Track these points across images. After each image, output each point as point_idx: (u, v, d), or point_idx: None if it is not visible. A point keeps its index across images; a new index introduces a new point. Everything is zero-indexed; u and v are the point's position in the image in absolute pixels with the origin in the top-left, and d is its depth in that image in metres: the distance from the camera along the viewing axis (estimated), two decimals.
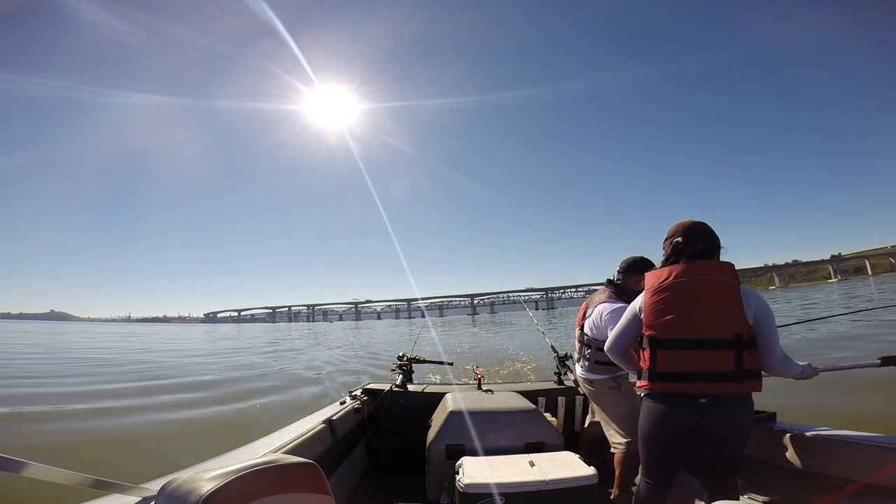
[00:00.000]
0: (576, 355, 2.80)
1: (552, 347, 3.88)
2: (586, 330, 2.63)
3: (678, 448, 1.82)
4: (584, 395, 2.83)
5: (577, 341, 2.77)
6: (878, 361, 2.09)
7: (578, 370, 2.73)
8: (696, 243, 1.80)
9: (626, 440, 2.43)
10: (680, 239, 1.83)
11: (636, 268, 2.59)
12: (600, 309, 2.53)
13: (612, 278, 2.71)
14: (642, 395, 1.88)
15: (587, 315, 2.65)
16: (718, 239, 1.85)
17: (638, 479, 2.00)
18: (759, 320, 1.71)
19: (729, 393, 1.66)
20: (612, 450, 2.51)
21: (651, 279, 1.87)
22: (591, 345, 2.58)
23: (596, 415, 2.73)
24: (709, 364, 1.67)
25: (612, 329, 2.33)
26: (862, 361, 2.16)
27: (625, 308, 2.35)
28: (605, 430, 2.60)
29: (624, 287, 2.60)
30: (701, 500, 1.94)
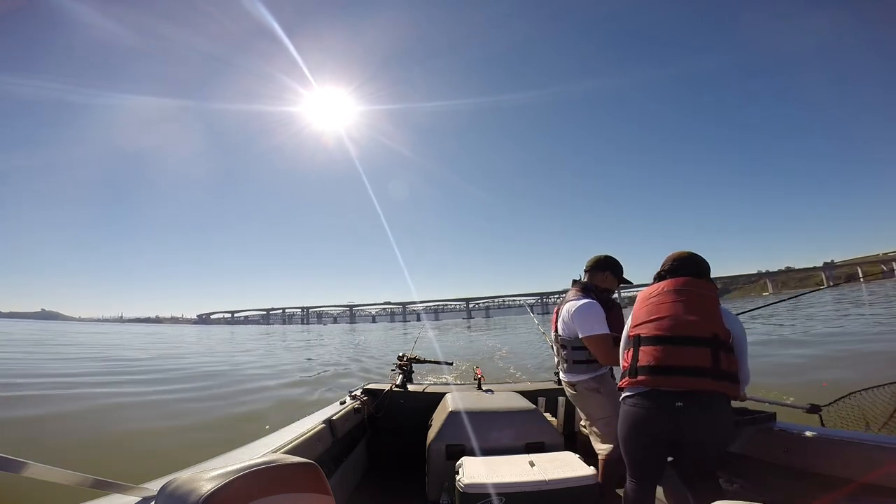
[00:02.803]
0: (556, 359, 2.76)
1: (552, 347, 3.87)
2: (560, 331, 2.59)
3: (658, 450, 1.87)
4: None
5: (554, 344, 2.73)
6: (807, 406, 2.31)
7: (561, 375, 2.68)
8: (682, 271, 1.97)
9: (607, 446, 2.36)
10: (668, 266, 2.01)
11: (601, 266, 2.64)
12: (568, 307, 2.52)
13: (577, 278, 2.72)
14: (621, 397, 1.92)
15: (559, 316, 2.64)
16: (708, 267, 2.01)
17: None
18: (733, 336, 1.84)
19: (706, 389, 1.71)
20: (598, 455, 2.44)
21: (643, 293, 2.02)
22: (567, 345, 2.53)
23: (582, 420, 2.69)
24: (687, 359, 1.74)
25: (580, 323, 2.38)
26: (793, 403, 2.37)
27: (591, 303, 2.43)
28: (588, 434, 2.55)
29: (590, 285, 2.61)
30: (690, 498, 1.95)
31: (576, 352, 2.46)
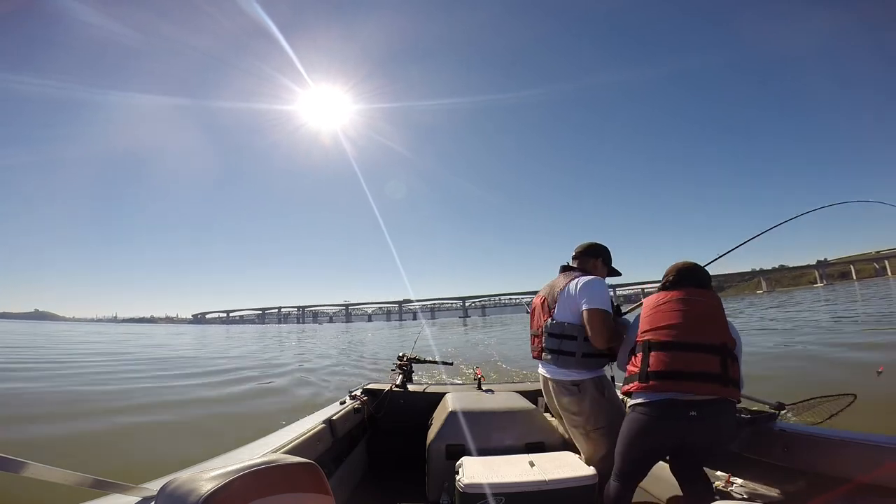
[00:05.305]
0: (545, 356, 2.35)
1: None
2: (564, 318, 2.27)
3: (658, 454, 1.93)
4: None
5: (545, 337, 2.33)
6: (774, 403, 2.20)
7: (555, 373, 2.33)
8: (685, 282, 2.00)
9: (597, 457, 2.18)
10: (671, 278, 2.04)
11: (592, 252, 2.48)
12: (574, 283, 2.27)
13: (567, 264, 2.50)
14: (630, 402, 1.91)
15: (554, 303, 2.33)
16: (710, 278, 2.06)
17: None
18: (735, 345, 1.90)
19: (716, 395, 1.76)
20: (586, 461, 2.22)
21: (649, 301, 2.04)
22: (577, 335, 2.22)
23: (567, 428, 2.39)
24: (698, 365, 1.77)
25: (588, 295, 2.18)
26: (761, 398, 2.27)
27: (601, 280, 2.31)
28: (576, 441, 2.33)
29: (583, 270, 2.42)
30: (679, 494, 1.98)
31: (587, 343, 2.19)
